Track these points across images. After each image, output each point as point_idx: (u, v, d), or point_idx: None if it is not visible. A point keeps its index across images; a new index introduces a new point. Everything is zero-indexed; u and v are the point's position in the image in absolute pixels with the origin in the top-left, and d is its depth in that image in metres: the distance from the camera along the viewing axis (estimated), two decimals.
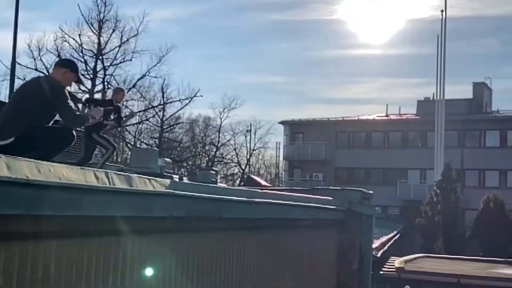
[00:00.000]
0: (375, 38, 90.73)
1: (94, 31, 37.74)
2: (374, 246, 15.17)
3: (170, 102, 41.49)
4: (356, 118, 46.26)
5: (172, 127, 44.73)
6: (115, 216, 3.92)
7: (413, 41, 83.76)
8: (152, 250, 4.59)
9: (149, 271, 4.92)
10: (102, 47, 37.75)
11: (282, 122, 47.46)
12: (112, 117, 10.22)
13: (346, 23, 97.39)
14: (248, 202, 6.30)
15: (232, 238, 6.51)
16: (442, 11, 40.68)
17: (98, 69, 37.26)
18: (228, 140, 52.74)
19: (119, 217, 3.98)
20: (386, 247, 16.33)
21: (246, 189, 7.18)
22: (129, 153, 35.36)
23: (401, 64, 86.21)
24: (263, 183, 18.49)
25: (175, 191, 4.63)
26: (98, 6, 37.69)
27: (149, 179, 4.41)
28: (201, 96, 41.51)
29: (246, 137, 53.46)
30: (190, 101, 41.17)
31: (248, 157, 53.48)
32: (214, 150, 49.90)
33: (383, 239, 17.66)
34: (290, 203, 7.75)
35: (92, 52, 37.62)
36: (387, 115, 46.36)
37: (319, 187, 11.87)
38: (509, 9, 77.03)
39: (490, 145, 41.49)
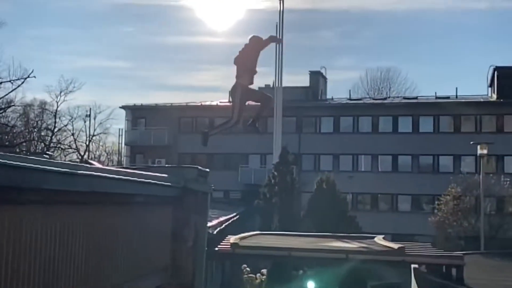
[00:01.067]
0: (219, 26, 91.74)
1: None
2: (211, 224, 15.35)
3: (0, 83, 38.79)
4: (200, 103, 46.52)
5: (3, 111, 41.90)
6: None
7: (255, 30, 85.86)
8: None
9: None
10: None
11: (123, 107, 46.44)
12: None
13: (192, 10, 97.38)
14: (69, 174, 5.99)
15: (55, 213, 6.17)
16: (280, 1, 41.92)
17: None
18: (66, 125, 50.71)
19: None
20: (223, 226, 16.62)
21: (69, 162, 6.84)
22: None
23: None
24: (101, 167, 17.82)
25: None
26: None
27: None
28: (34, 77, 39.17)
29: (85, 122, 51.74)
30: (22, 82, 38.82)
31: (87, 143, 51.77)
32: (51, 135, 47.65)
33: (222, 219, 17.95)
34: (119, 177, 7.52)
35: None
36: (229, 101, 47.04)
37: (154, 165, 11.72)
38: (344, 3, 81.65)
39: (325, 131, 43.75)
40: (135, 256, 8.68)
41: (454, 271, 11.04)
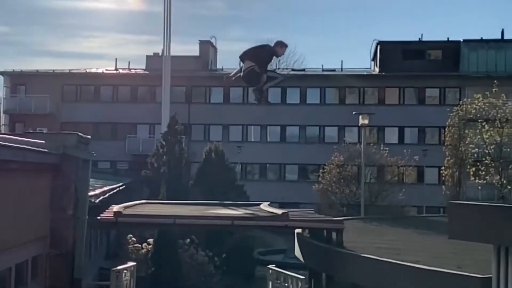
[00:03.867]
0: None
1: None
2: (94, 193, 14.93)
3: None
4: (84, 71, 44.95)
5: None
6: None
7: None
8: None
9: None
10: None
11: (1, 73, 43.98)
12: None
13: None
14: None
15: None
16: None
17: None
18: None
19: None
20: (107, 195, 16.22)
21: None
22: None
23: (133, 20, 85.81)
24: None
25: None
26: None
27: None
28: None
29: None
30: None
31: None
32: None
33: (106, 188, 17.51)
34: None
35: None
36: (116, 69, 45.88)
37: (31, 131, 11.16)
38: None
39: (215, 101, 43.71)
40: (9, 225, 8.26)
41: (334, 235, 11.42)
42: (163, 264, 20.80)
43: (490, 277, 6.60)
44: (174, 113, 29.69)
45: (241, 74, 10.45)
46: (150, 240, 21.71)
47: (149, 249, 21.71)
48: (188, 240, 22.42)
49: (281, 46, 10.49)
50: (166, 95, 37.52)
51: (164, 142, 27.33)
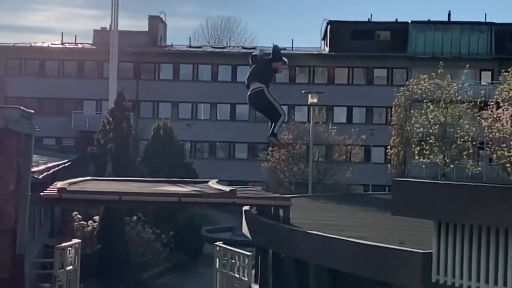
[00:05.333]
0: None
1: None
2: (38, 169, 14.60)
3: None
4: (29, 44, 43.71)
5: None
6: None
7: None
8: None
9: None
10: None
11: None
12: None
13: None
14: None
15: None
16: None
17: None
18: None
19: None
20: (51, 171, 15.89)
21: None
22: None
23: None
24: None
25: None
26: None
27: None
28: None
29: None
30: None
31: None
32: None
33: (50, 164, 17.15)
34: None
35: None
36: (62, 44, 44.75)
37: None
38: None
39: (164, 77, 43.28)
40: None
41: (281, 212, 11.49)
42: (109, 242, 20.57)
43: (431, 252, 6.76)
44: (122, 89, 29.14)
45: (248, 93, 10.76)
46: (96, 218, 21.42)
47: (95, 226, 21.44)
48: (135, 217, 22.22)
49: (283, 63, 10.87)
50: (113, 71, 36.80)
51: (111, 119, 26.79)
